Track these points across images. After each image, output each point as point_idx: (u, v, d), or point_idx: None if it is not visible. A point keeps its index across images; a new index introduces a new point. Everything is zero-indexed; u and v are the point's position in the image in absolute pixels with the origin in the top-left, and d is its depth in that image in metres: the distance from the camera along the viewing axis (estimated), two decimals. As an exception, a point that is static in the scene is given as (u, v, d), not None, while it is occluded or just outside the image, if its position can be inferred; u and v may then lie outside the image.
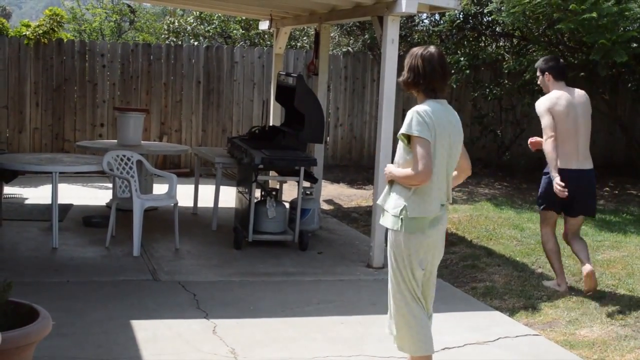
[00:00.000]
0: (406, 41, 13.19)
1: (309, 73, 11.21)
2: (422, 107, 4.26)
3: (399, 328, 4.41)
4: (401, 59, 14.07)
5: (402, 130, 4.24)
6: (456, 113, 4.49)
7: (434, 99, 4.33)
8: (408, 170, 4.22)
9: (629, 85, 12.91)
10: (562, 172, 6.57)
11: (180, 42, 15.90)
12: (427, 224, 4.29)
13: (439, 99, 4.35)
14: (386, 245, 4.58)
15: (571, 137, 6.77)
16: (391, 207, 4.33)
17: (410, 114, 4.24)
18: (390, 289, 4.43)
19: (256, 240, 7.85)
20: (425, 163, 4.15)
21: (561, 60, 7.25)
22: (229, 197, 9.64)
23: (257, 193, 8.19)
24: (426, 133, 4.18)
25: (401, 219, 4.27)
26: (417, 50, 4.35)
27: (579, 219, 6.84)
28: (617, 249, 8.09)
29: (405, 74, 4.36)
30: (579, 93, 6.97)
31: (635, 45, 10.50)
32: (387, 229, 4.42)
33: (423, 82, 4.29)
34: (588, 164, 6.81)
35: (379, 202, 4.49)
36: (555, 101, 6.83)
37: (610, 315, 6.16)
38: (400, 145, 4.35)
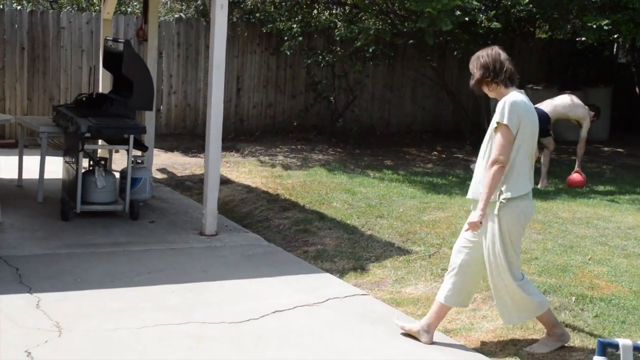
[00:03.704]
0: (239, 7, 13.11)
1: (138, 39, 10.95)
2: (512, 98, 4.74)
3: (517, 303, 4.92)
4: (233, 25, 13.91)
5: (497, 118, 4.67)
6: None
7: (516, 89, 4.79)
8: (490, 169, 4.67)
9: (455, 53, 13.39)
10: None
11: (1, 6, 15.09)
12: (524, 201, 4.79)
13: (520, 90, 4.84)
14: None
15: None
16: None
17: (502, 103, 4.73)
18: (501, 274, 4.87)
19: (85, 211, 7.62)
20: (507, 154, 4.68)
21: None
22: (57, 167, 9.28)
23: (86, 163, 7.94)
24: (513, 123, 4.67)
25: (501, 202, 4.75)
26: (483, 52, 4.87)
27: None
28: (442, 209, 8.41)
29: (477, 72, 4.84)
30: None
31: (459, 13, 10.89)
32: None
33: (500, 75, 4.77)
34: None
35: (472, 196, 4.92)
36: None
37: (434, 273, 6.41)
38: (492, 134, 4.76)
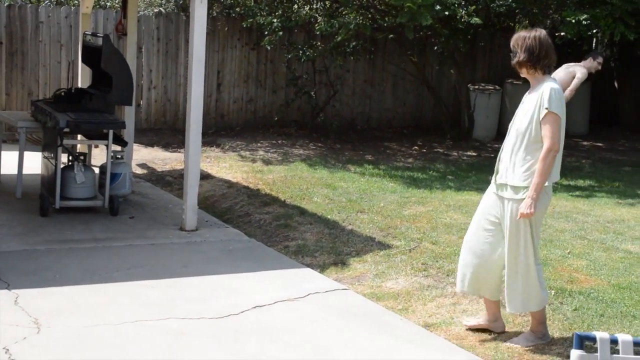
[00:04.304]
0: (219, 2, 13.05)
1: (117, 33, 10.88)
2: (556, 85, 4.77)
3: (528, 290, 4.90)
4: (213, 20, 13.79)
5: (546, 105, 4.69)
6: None
7: (551, 77, 4.81)
8: (544, 156, 4.67)
9: (435, 48, 13.42)
10: None
11: (-20, 1, 14.95)
12: (548, 192, 4.86)
13: (553, 77, 4.88)
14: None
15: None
16: (525, 179, 4.78)
17: (549, 90, 4.72)
18: (520, 256, 4.86)
19: (64, 206, 7.57)
20: (559, 140, 4.70)
21: None
22: (36, 163, 9.21)
23: (65, 158, 7.89)
24: (560, 110, 4.70)
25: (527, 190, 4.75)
26: (529, 33, 4.85)
27: None
28: (423, 204, 8.42)
29: (521, 54, 4.82)
30: None
31: (439, 8, 10.91)
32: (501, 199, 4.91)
33: (542, 60, 4.79)
34: None
35: (504, 181, 4.89)
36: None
37: (414, 267, 6.42)
38: (534, 119, 4.75)
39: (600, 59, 9.92)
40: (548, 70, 4.88)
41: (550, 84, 4.79)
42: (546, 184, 4.79)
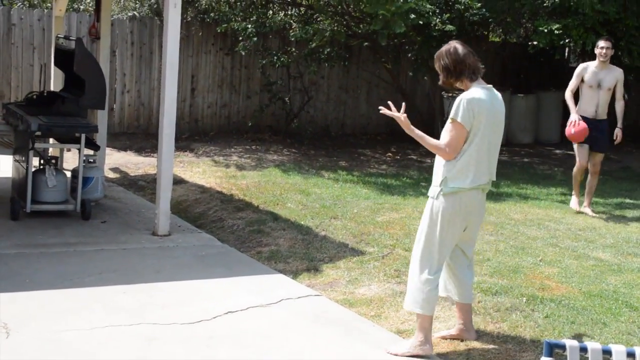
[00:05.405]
0: (193, 7, 13.02)
1: (91, 37, 10.81)
2: (469, 95, 4.81)
3: (410, 285, 4.97)
4: (187, 25, 13.70)
5: (451, 115, 4.80)
6: (500, 98, 5.00)
7: (480, 85, 4.88)
8: (438, 142, 4.84)
9: (410, 55, 13.46)
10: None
11: (-49, 2, 14.80)
12: (466, 195, 4.83)
13: (485, 85, 4.90)
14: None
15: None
16: (435, 180, 4.91)
17: (458, 100, 4.80)
18: (418, 251, 4.93)
19: (35, 210, 7.51)
20: (455, 147, 4.78)
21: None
22: (7, 166, 9.13)
23: (37, 161, 7.83)
24: (466, 120, 4.75)
25: (442, 189, 4.83)
26: (442, 51, 4.93)
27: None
28: (396, 210, 8.44)
29: (442, 77, 4.96)
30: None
31: (413, 16, 10.96)
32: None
33: (463, 74, 4.87)
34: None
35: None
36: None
37: (387, 273, 6.43)
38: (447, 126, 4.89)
39: (601, 43, 9.07)
40: (475, 76, 4.90)
41: (463, 95, 4.82)
42: (451, 186, 4.79)
